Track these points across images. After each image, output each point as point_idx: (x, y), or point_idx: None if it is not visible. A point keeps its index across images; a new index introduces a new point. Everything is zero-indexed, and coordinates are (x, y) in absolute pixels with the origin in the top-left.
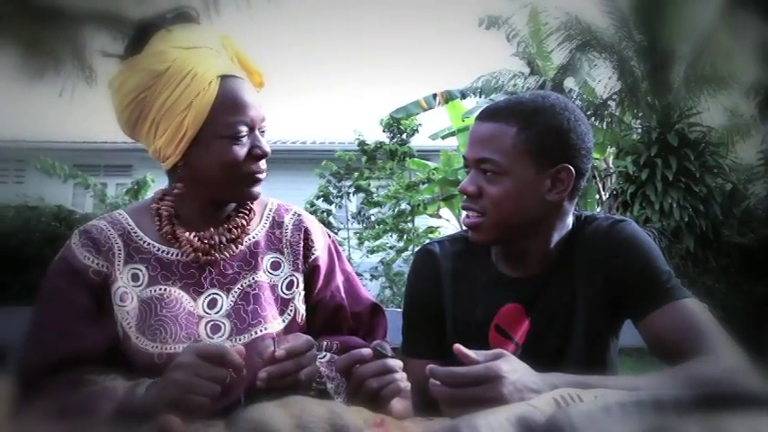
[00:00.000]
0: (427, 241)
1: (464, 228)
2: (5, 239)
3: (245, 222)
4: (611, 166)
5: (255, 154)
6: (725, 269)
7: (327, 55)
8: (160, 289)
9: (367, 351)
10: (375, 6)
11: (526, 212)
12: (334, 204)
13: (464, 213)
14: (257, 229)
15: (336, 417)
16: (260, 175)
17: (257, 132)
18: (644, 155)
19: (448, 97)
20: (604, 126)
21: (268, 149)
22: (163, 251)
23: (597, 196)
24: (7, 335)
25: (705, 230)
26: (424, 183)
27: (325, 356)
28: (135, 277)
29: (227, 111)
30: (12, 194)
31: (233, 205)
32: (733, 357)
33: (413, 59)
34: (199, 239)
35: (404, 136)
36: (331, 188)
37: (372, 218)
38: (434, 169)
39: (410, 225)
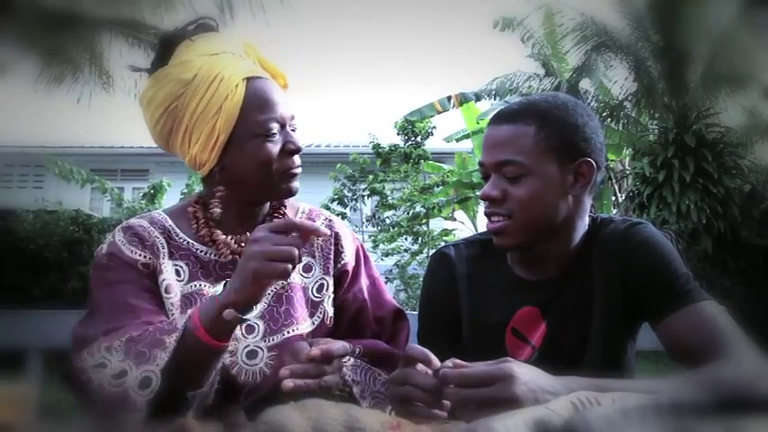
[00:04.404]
0: (442, 244)
1: (479, 231)
2: (25, 243)
3: None
4: (627, 167)
5: (289, 149)
6: (744, 271)
7: (341, 58)
8: (199, 284)
9: (436, 362)
10: (389, 9)
11: (553, 211)
12: (348, 207)
13: (485, 220)
14: None
15: (353, 420)
16: (295, 170)
17: (288, 129)
18: (661, 156)
19: (462, 99)
20: (620, 127)
21: (300, 144)
22: (201, 250)
23: (613, 198)
24: (27, 338)
25: (723, 232)
26: (438, 185)
27: (348, 360)
28: (177, 273)
29: (257, 110)
30: (31, 199)
31: (267, 208)
32: (753, 360)
33: (427, 62)
34: (236, 242)
35: (418, 138)
36: (345, 191)
37: (387, 221)
38: (449, 172)
39: (425, 228)
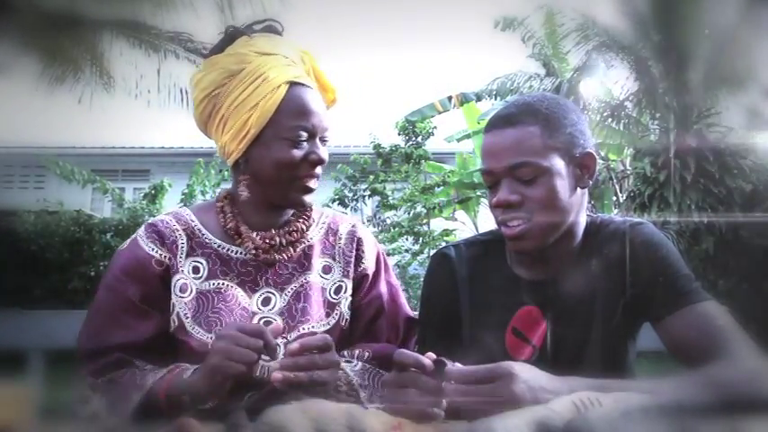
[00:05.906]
0: (443, 244)
1: (480, 231)
2: (26, 244)
3: (304, 228)
4: (628, 167)
5: (311, 159)
6: (745, 271)
7: (341, 58)
8: (218, 283)
9: (429, 363)
10: (389, 9)
11: (569, 207)
12: (349, 208)
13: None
14: (312, 234)
15: (354, 420)
16: (312, 183)
17: (317, 140)
18: (662, 156)
19: (463, 100)
20: (621, 127)
21: (325, 157)
22: (223, 248)
23: (614, 198)
24: (27, 338)
25: (724, 232)
26: (439, 186)
27: (357, 365)
28: (195, 270)
29: (290, 115)
30: (32, 199)
31: (291, 211)
32: (754, 361)
33: (427, 62)
34: (261, 239)
35: (419, 139)
36: (346, 192)
37: (388, 221)
38: (450, 172)
39: (426, 228)
